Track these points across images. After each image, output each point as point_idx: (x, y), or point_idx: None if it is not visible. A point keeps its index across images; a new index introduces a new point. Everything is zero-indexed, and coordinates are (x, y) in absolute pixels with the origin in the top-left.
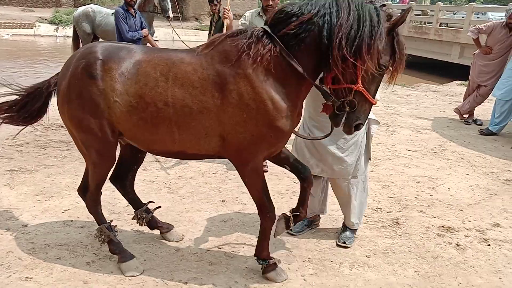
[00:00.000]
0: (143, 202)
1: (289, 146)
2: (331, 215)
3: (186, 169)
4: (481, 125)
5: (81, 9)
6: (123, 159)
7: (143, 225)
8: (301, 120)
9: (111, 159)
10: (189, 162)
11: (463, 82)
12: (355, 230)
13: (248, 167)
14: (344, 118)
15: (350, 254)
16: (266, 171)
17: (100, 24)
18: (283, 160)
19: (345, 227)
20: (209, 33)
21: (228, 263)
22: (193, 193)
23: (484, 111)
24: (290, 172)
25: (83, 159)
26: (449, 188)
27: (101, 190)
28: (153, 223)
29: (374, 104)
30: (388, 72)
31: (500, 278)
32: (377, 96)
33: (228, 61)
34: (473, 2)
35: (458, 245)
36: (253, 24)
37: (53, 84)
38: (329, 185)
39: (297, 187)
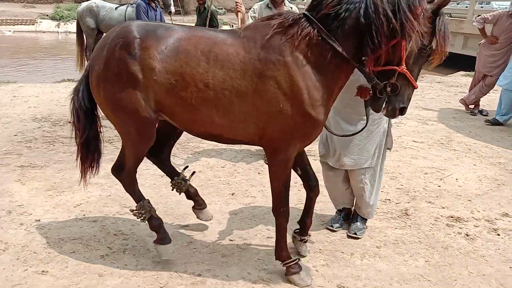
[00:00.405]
0: (171, 176)
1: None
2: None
3: (194, 162)
4: (486, 115)
5: (84, 4)
6: (161, 134)
7: (181, 192)
8: None
9: (151, 137)
10: (198, 157)
11: (467, 72)
12: (366, 220)
13: (278, 157)
14: (384, 102)
15: (360, 245)
16: None
17: (104, 19)
18: (298, 163)
19: (356, 217)
20: (195, 25)
21: (241, 255)
22: (203, 186)
23: (490, 101)
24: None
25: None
26: (456, 179)
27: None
28: (191, 194)
29: (416, 88)
30: (433, 54)
31: (510, 267)
32: None
33: (270, 47)
34: None
35: (467, 235)
36: (262, 16)
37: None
38: None
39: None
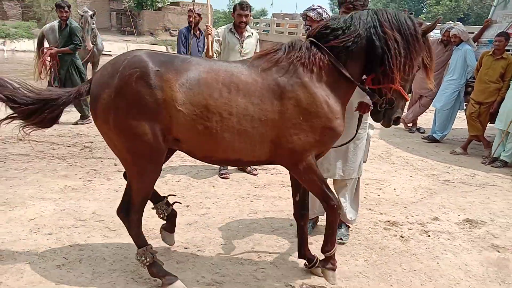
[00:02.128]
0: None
1: None
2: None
3: None
4: (423, 133)
5: (48, 25)
6: None
7: (164, 217)
8: None
9: (159, 167)
10: None
11: (409, 94)
12: (348, 227)
13: (302, 167)
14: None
15: None
16: (228, 178)
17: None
18: (298, 187)
19: (340, 224)
20: (58, 42)
21: (195, 261)
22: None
23: (427, 120)
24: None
25: (45, 170)
26: (394, 189)
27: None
28: (171, 218)
29: (408, 100)
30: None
31: (437, 263)
32: None
33: (284, 71)
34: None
35: (402, 237)
36: (226, 40)
37: (85, 92)
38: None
39: (257, 191)
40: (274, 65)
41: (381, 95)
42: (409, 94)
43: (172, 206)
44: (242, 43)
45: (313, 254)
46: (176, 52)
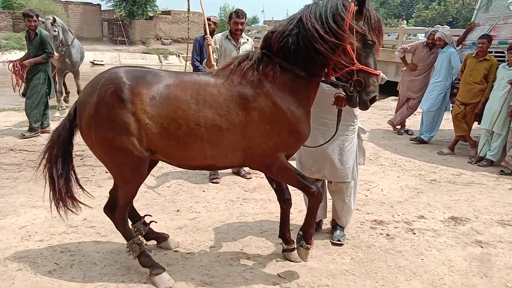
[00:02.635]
0: (140, 215)
1: None
2: None
3: None
4: (412, 134)
5: None
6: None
7: (141, 237)
8: None
9: (143, 175)
10: None
11: (397, 97)
12: (343, 228)
13: (274, 168)
14: (357, 97)
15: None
16: (218, 183)
17: None
18: (274, 179)
19: (335, 227)
20: (27, 52)
21: (185, 263)
22: (148, 205)
23: (415, 122)
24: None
25: (36, 179)
26: (382, 189)
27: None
28: (150, 235)
29: (378, 75)
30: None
31: (422, 259)
32: (383, 75)
33: (245, 83)
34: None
35: (388, 235)
36: (222, 47)
37: (73, 112)
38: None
39: (247, 195)
40: (236, 78)
41: (346, 81)
42: (396, 97)
43: (149, 225)
44: (239, 50)
45: (291, 238)
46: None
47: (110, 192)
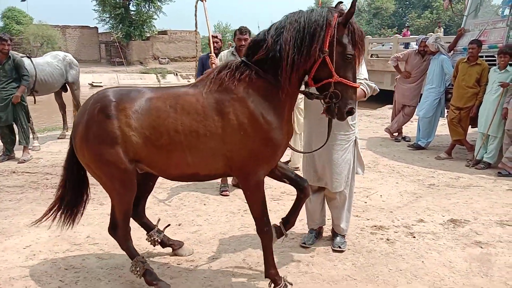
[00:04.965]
0: (150, 225)
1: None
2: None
3: None
4: (409, 141)
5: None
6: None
7: (156, 245)
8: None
9: (132, 187)
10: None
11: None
12: (344, 235)
13: (250, 182)
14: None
15: (296, 256)
16: (228, 195)
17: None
18: (283, 176)
19: (335, 234)
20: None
21: (188, 275)
22: (150, 220)
23: (412, 129)
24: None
25: (39, 200)
26: (381, 195)
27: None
28: (165, 242)
29: (358, 87)
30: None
31: (422, 262)
32: (375, 87)
33: (222, 89)
34: (398, 34)
35: (388, 240)
36: None
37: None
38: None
39: (247, 206)
40: (214, 85)
41: (325, 91)
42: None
43: (163, 232)
44: None
45: (286, 229)
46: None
47: (110, 213)
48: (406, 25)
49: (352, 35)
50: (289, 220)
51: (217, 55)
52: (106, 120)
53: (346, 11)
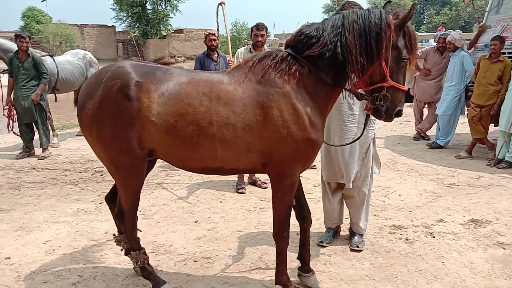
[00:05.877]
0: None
1: None
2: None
3: (158, 197)
4: (428, 140)
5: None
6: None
7: (122, 249)
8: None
9: (140, 176)
10: (162, 192)
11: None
12: (362, 234)
13: (284, 182)
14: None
15: (314, 255)
16: (244, 193)
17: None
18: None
19: (353, 234)
20: (18, 69)
21: (205, 272)
22: (167, 217)
23: (431, 128)
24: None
25: (58, 196)
26: (399, 195)
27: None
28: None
29: (406, 90)
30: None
31: (443, 262)
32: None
33: (264, 80)
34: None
35: (407, 239)
36: None
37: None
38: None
39: (263, 204)
40: (255, 75)
41: (375, 93)
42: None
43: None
44: None
45: (309, 265)
46: None
47: (117, 200)
48: (424, 22)
49: (408, 39)
50: (304, 257)
51: (216, 52)
52: (125, 101)
53: (402, 13)
